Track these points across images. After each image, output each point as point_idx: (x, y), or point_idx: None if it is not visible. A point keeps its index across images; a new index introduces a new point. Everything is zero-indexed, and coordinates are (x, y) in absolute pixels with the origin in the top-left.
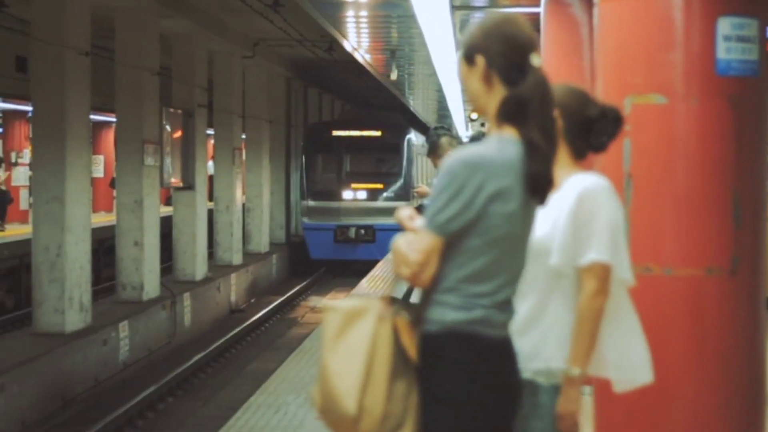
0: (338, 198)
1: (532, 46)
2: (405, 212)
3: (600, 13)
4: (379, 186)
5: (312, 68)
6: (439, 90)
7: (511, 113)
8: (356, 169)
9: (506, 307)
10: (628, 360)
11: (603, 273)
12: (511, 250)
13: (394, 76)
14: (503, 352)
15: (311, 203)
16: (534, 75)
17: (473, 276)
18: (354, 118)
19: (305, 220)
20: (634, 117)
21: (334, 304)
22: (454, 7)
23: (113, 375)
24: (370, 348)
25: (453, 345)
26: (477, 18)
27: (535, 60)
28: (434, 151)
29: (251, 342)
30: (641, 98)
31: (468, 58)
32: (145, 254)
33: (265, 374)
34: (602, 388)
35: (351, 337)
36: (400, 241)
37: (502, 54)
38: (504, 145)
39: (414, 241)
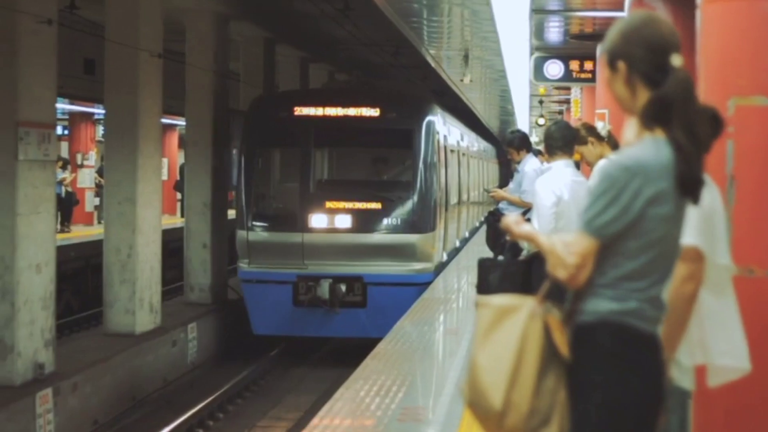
0: (301, 227)
1: (672, 46)
2: (512, 217)
3: (703, 14)
4: (375, 206)
5: (376, 72)
6: (504, 95)
7: (655, 115)
8: (335, 175)
9: (657, 302)
10: (738, 347)
11: (693, 257)
12: (665, 250)
13: (467, 79)
14: (654, 346)
15: (253, 236)
16: (676, 75)
17: (629, 274)
18: (334, 88)
19: (243, 265)
20: (738, 119)
21: (488, 299)
22: (533, 11)
23: (182, 375)
24: (520, 344)
25: (606, 335)
26: (553, 22)
27: (676, 60)
28: (578, 140)
29: (316, 345)
30: (745, 100)
31: (610, 63)
32: (212, 256)
33: (332, 378)
34: (700, 392)
35: (501, 333)
36: (556, 243)
37: (642, 58)
38: (659, 147)
39: (571, 243)
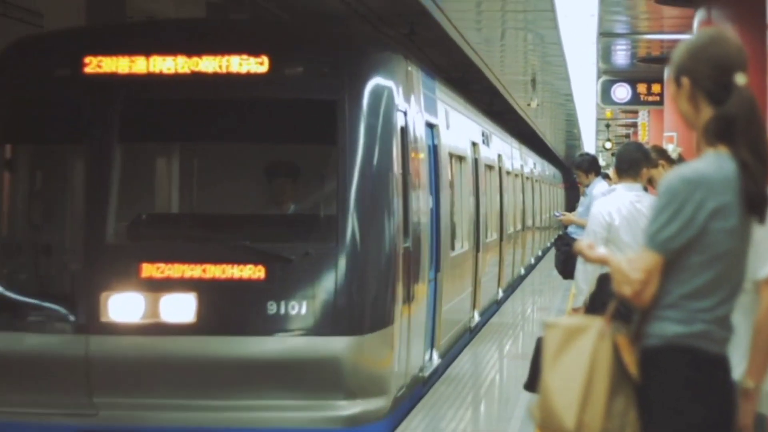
0: (84, 323)
1: (737, 65)
2: (584, 242)
3: None
4: (252, 274)
5: None
6: (570, 119)
7: (718, 132)
8: (164, 204)
9: (725, 323)
10: None
11: None
12: (730, 266)
13: (534, 104)
14: (722, 367)
15: None
16: (739, 94)
17: (695, 292)
18: (178, 22)
19: None
20: None
21: (556, 321)
22: (600, 34)
23: None
24: (590, 364)
25: (674, 358)
26: (620, 45)
27: (740, 79)
28: (649, 162)
29: None
30: None
31: (676, 79)
32: None
33: None
34: None
35: (571, 354)
36: (621, 260)
37: (706, 75)
38: (721, 161)
39: (635, 259)
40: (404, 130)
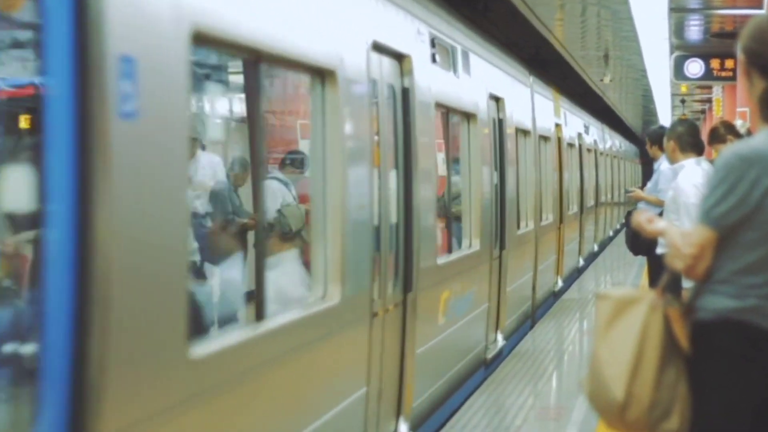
0: None
1: None
2: (643, 216)
3: None
4: None
5: None
6: (646, 94)
7: (764, 108)
8: None
9: None
10: None
11: None
12: None
13: (607, 79)
14: None
15: None
16: None
17: (747, 268)
18: None
19: None
20: None
21: (608, 292)
22: (671, 10)
23: None
24: (641, 336)
25: (725, 332)
26: (693, 20)
27: None
28: (717, 138)
29: None
30: None
31: (739, 57)
32: None
33: None
34: None
35: (622, 325)
36: (675, 234)
37: (756, 51)
38: None
39: (689, 234)
40: None
